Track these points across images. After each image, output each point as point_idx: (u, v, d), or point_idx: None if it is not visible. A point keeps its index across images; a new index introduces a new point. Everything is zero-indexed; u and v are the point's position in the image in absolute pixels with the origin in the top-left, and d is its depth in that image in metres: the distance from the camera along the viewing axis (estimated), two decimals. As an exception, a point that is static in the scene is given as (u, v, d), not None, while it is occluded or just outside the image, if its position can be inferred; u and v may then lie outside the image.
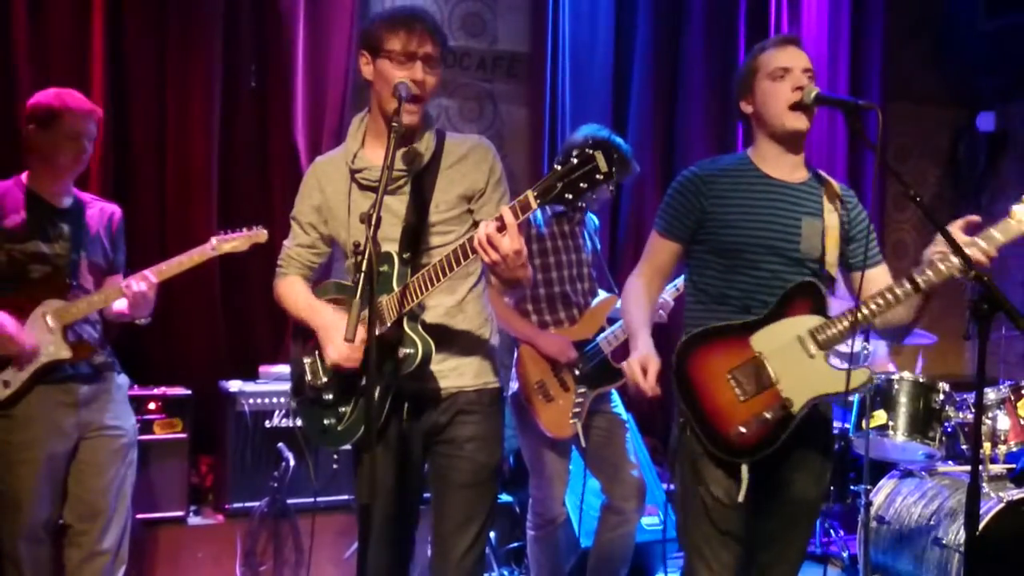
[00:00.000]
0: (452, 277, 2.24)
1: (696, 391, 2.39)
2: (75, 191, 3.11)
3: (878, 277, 2.54)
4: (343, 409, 2.41)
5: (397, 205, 2.38)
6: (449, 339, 2.41)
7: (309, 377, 2.46)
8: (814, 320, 2.37)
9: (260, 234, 3.23)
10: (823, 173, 2.56)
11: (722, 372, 2.37)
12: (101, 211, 3.15)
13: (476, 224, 2.38)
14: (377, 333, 2.16)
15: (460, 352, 2.44)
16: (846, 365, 2.33)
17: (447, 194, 2.40)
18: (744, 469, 2.34)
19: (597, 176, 2.01)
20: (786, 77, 2.42)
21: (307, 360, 2.49)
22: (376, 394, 2.23)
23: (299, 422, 3.90)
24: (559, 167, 2.04)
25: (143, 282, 2.99)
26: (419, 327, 2.31)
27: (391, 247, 2.35)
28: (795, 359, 2.35)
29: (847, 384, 2.30)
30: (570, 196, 2.04)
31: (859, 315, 2.31)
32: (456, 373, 2.43)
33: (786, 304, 2.39)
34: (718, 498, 2.37)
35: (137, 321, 3.13)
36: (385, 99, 2.33)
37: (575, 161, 2.03)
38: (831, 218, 2.48)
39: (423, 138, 2.41)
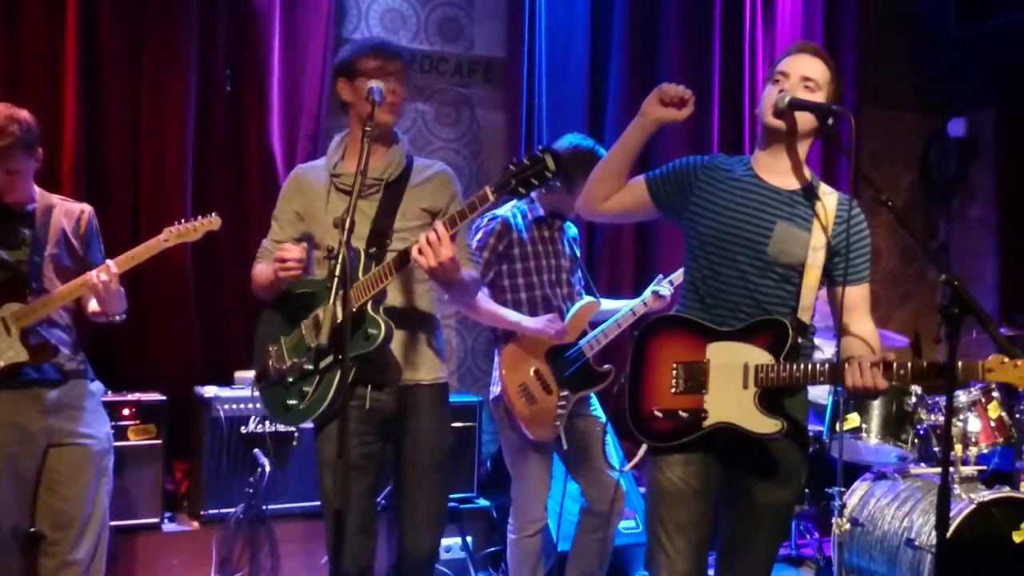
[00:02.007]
0: (397, 278, 2.58)
1: (643, 365, 2.52)
2: (42, 193, 3.06)
3: (854, 297, 2.54)
4: (305, 388, 2.69)
5: (368, 209, 2.70)
6: (405, 336, 2.75)
7: (274, 360, 2.77)
8: (765, 357, 2.41)
9: (212, 221, 3.13)
10: (824, 188, 2.54)
11: (671, 360, 2.48)
12: (68, 212, 3.10)
13: None
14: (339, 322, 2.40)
15: (415, 347, 2.77)
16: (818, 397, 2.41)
17: (413, 205, 2.75)
18: (643, 447, 2.50)
19: (546, 173, 2.37)
20: (781, 81, 2.47)
21: (272, 348, 2.79)
22: (340, 376, 2.46)
23: (276, 427, 3.90)
24: (513, 167, 2.40)
25: (104, 272, 2.93)
26: (382, 311, 2.60)
27: (359, 244, 2.66)
28: (731, 382, 2.42)
29: (760, 427, 2.39)
30: (522, 190, 2.40)
31: (800, 367, 2.37)
32: (412, 367, 2.77)
33: (754, 329, 2.44)
34: (671, 481, 2.46)
35: (114, 318, 3.08)
36: (363, 111, 2.62)
37: (527, 161, 2.38)
38: (818, 235, 2.47)
39: (395, 152, 2.76)
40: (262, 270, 2.86)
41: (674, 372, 2.47)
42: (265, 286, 2.83)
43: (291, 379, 2.75)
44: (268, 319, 2.88)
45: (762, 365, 2.40)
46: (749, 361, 2.41)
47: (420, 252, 2.45)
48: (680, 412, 2.44)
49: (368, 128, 2.33)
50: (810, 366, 2.37)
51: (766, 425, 2.40)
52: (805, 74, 2.46)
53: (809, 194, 2.52)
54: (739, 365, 2.41)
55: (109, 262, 2.99)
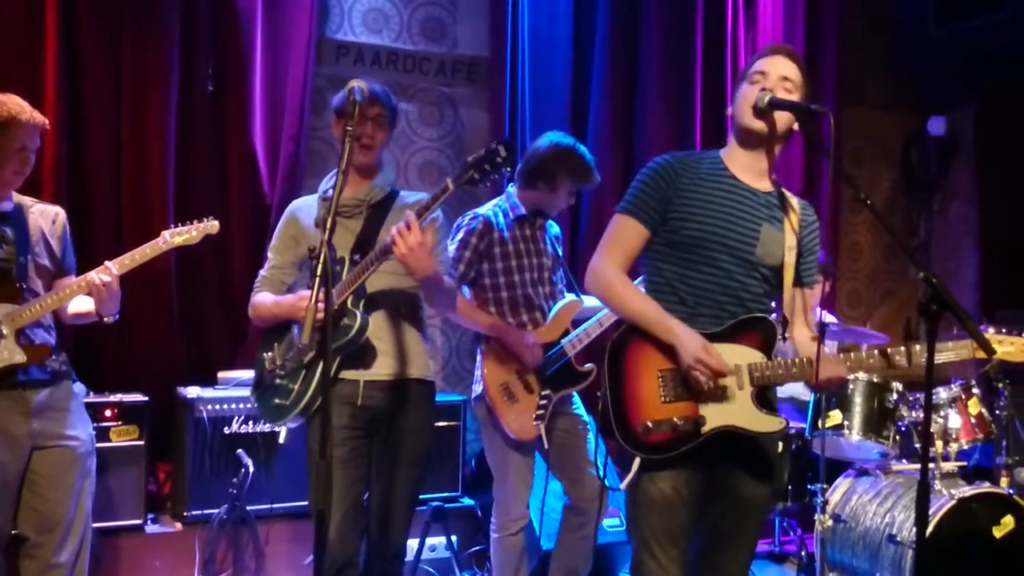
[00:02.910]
0: (383, 268, 2.73)
1: (623, 376, 2.43)
2: (14, 194, 3.04)
3: (808, 299, 2.62)
4: (291, 386, 2.85)
5: (354, 225, 2.91)
6: (395, 334, 2.90)
7: (267, 364, 2.95)
8: (755, 355, 2.42)
9: (211, 225, 3.17)
10: (785, 191, 2.61)
11: (654, 368, 2.42)
12: (43, 213, 3.09)
13: None
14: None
15: (404, 345, 2.91)
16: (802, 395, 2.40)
17: (395, 224, 2.81)
18: (636, 462, 2.41)
19: (497, 160, 2.56)
20: (760, 81, 2.47)
21: (267, 355, 2.97)
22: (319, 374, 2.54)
23: (259, 428, 3.90)
24: (469, 159, 2.59)
25: (105, 273, 2.96)
26: (360, 305, 2.78)
27: (344, 252, 2.84)
28: (727, 384, 2.40)
29: (763, 426, 2.39)
30: (477, 175, 2.58)
31: (795, 362, 2.41)
32: (403, 363, 2.90)
33: (739, 330, 2.44)
34: (663, 492, 2.42)
35: (105, 319, 3.07)
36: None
37: (483, 152, 2.57)
38: (790, 236, 2.52)
39: (380, 179, 2.96)
40: (263, 301, 2.98)
41: (660, 381, 2.41)
42: (265, 317, 2.98)
43: (279, 380, 2.90)
44: (269, 330, 3.03)
45: (756, 364, 2.40)
46: (741, 361, 2.41)
47: (394, 243, 2.59)
48: (676, 421, 2.36)
49: (349, 129, 2.36)
50: (799, 361, 2.40)
51: (769, 423, 2.40)
52: (783, 74, 2.47)
53: (780, 196, 2.56)
54: (731, 366, 2.39)
55: (109, 264, 2.99)
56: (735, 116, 2.51)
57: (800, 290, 2.60)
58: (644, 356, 2.43)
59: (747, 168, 2.53)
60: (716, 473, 2.48)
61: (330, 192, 2.90)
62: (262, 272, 3.07)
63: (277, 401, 2.89)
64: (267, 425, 3.92)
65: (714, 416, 2.39)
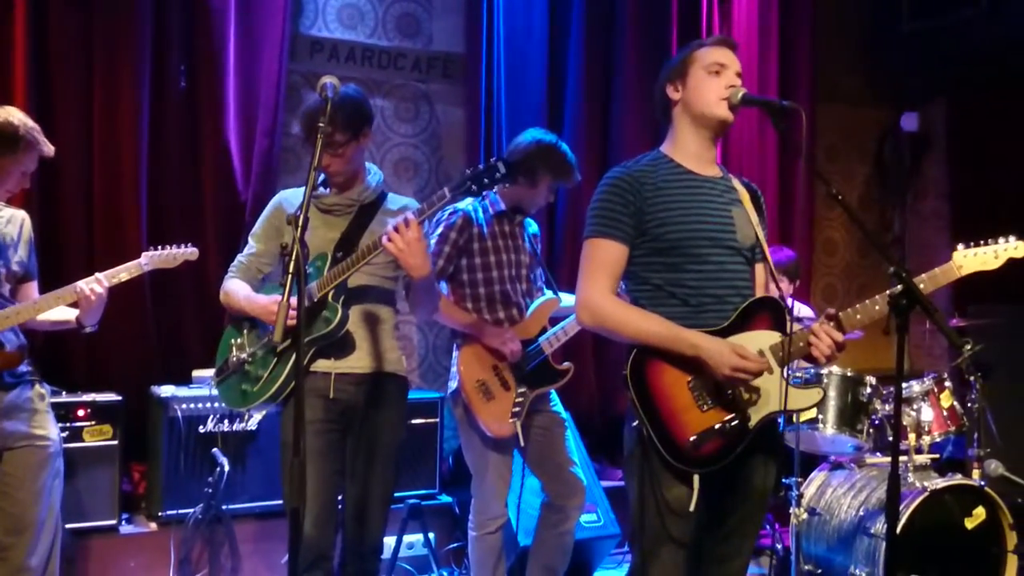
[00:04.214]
0: (364, 268, 2.79)
1: (654, 397, 2.36)
2: None
3: (759, 275, 2.63)
4: (260, 373, 2.88)
5: (341, 223, 2.94)
6: (370, 331, 2.94)
7: (234, 351, 2.97)
8: (774, 336, 2.41)
9: (191, 252, 3.30)
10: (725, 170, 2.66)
11: (682, 381, 2.37)
12: (11, 219, 3.07)
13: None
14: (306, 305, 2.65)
15: (380, 341, 2.96)
16: (798, 381, 2.39)
17: (380, 227, 2.90)
18: (696, 479, 2.32)
19: (496, 176, 2.65)
20: (721, 73, 2.49)
21: (235, 341, 3.00)
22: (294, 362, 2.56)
23: (235, 426, 3.87)
24: (469, 171, 2.67)
25: (97, 284, 3.00)
26: (340, 301, 2.82)
27: (328, 248, 2.88)
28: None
29: (803, 402, 2.39)
30: (475, 187, 2.65)
31: (816, 327, 2.39)
32: (378, 359, 2.94)
33: (747, 317, 2.43)
34: (671, 505, 2.36)
35: (86, 328, 3.10)
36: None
37: (481, 167, 2.66)
38: (753, 215, 2.56)
39: (372, 179, 3.01)
40: (236, 292, 2.96)
41: (693, 391, 2.36)
42: (235, 309, 2.97)
43: (247, 367, 2.92)
44: (236, 319, 3.03)
45: (777, 344, 2.39)
46: (762, 346, 2.39)
47: (390, 240, 2.63)
48: (723, 426, 2.32)
49: (321, 125, 2.38)
50: (816, 327, 2.38)
51: (809, 396, 2.40)
52: (738, 69, 2.52)
53: (728, 180, 2.60)
54: (756, 353, 2.36)
55: (100, 276, 3.05)
56: (695, 102, 2.50)
57: (758, 264, 2.62)
58: (667, 372, 2.38)
59: (698, 158, 2.54)
60: (731, 466, 2.40)
61: (321, 189, 2.96)
62: (240, 257, 3.05)
63: (244, 387, 2.91)
64: (242, 424, 3.90)
65: (756, 408, 2.36)
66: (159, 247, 3.26)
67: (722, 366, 2.30)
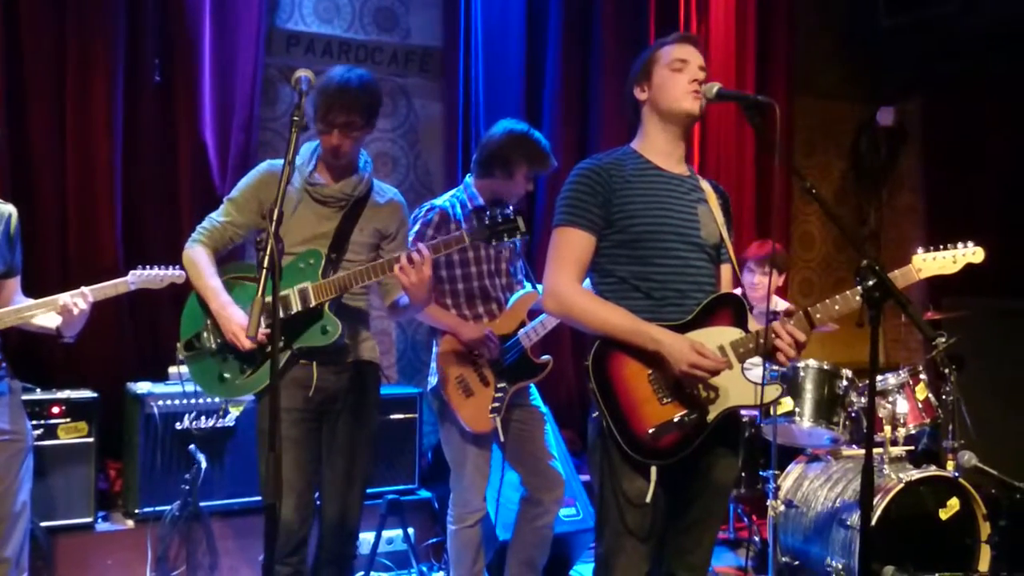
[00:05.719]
0: (339, 266, 2.86)
1: (615, 389, 2.39)
2: None
3: (724, 276, 2.65)
4: (245, 366, 2.85)
5: (333, 217, 2.93)
6: (348, 322, 2.93)
7: (206, 335, 2.90)
8: (734, 332, 2.43)
9: (178, 275, 3.33)
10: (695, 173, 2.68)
11: (643, 373, 2.40)
12: None
13: (380, 254, 3.01)
14: (293, 313, 2.77)
15: (358, 332, 3.02)
16: (758, 379, 2.40)
17: (368, 224, 2.99)
18: (653, 471, 2.36)
19: (515, 230, 2.77)
20: (684, 69, 2.52)
21: (209, 320, 2.89)
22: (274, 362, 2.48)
23: (212, 423, 3.85)
24: (488, 221, 2.77)
25: (81, 300, 3.02)
26: (334, 310, 2.83)
27: (323, 247, 2.88)
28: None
29: (760, 398, 2.39)
30: (492, 239, 2.80)
31: (776, 326, 2.40)
32: (357, 348, 3.00)
33: (709, 312, 2.45)
34: (630, 497, 2.39)
35: (64, 339, 3.11)
36: (326, 143, 2.87)
37: (500, 220, 2.77)
38: (718, 213, 2.58)
39: (365, 171, 2.99)
40: (202, 270, 2.89)
41: (652, 383, 2.38)
42: (198, 289, 2.91)
43: (230, 355, 2.86)
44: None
45: (737, 340, 2.41)
46: (723, 341, 2.41)
47: (402, 270, 2.72)
48: (682, 418, 2.34)
49: (296, 118, 2.34)
50: (776, 325, 2.40)
51: (767, 393, 2.39)
52: (701, 63, 2.55)
53: (695, 179, 2.62)
54: (715, 349, 2.38)
55: (85, 290, 3.07)
56: (662, 99, 2.52)
57: (723, 265, 2.65)
58: (628, 364, 2.40)
59: (667, 155, 2.57)
60: (688, 461, 2.43)
61: (313, 176, 2.92)
62: (214, 217, 2.98)
63: (225, 375, 2.87)
64: (220, 421, 3.87)
65: (714, 403, 2.39)
66: (146, 267, 3.33)
67: (680, 363, 2.32)
